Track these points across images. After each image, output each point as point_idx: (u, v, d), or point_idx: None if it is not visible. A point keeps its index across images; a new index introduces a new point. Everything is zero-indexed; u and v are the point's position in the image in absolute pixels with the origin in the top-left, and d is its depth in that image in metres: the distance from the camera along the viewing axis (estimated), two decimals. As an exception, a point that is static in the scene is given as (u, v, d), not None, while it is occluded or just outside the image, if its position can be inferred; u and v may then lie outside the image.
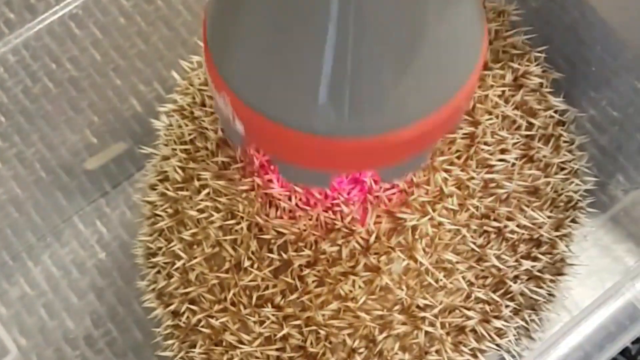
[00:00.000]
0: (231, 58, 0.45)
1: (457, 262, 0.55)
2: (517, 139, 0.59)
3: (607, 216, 0.71)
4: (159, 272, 0.59)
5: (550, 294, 0.61)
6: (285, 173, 0.50)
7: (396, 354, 0.54)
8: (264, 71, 0.44)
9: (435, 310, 0.54)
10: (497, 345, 0.57)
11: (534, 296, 0.59)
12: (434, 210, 0.55)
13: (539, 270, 0.59)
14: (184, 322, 0.57)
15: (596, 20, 0.65)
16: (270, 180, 0.55)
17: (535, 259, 0.59)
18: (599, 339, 0.48)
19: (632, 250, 0.70)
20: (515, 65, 0.61)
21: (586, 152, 0.66)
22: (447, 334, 0.55)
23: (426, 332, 0.54)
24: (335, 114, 0.43)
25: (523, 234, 0.57)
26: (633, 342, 0.68)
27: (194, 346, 0.56)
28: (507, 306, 0.57)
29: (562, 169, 0.61)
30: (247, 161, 0.56)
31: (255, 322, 0.54)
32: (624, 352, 0.68)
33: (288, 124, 0.44)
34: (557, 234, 0.60)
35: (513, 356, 0.59)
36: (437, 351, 0.55)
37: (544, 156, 0.60)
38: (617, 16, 0.65)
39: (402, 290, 0.54)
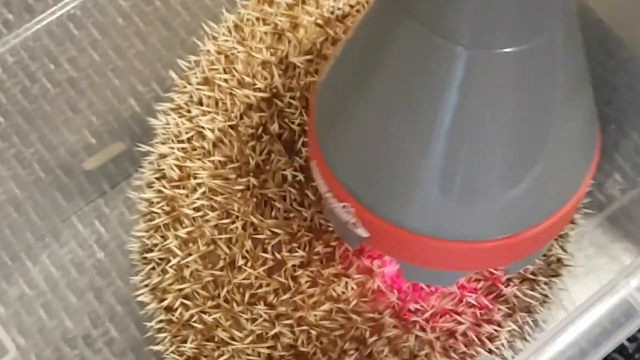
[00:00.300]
0: (354, 168, 0.46)
1: None
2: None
3: (604, 215, 0.71)
4: (153, 268, 0.59)
5: (545, 296, 0.61)
6: (408, 274, 0.51)
7: (386, 356, 0.54)
8: (387, 179, 0.45)
9: (427, 315, 0.54)
10: (489, 350, 0.57)
11: (528, 299, 0.59)
12: None
13: (532, 273, 0.59)
14: (176, 318, 0.57)
15: (593, 19, 0.66)
16: (265, 180, 0.55)
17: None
18: (594, 335, 0.48)
19: (629, 249, 0.70)
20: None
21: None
22: (437, 338, 0.55)
23: (416, 336, 0.54)
24: (465, 219, 0.44)
25: None
26: (630, 341, 0.68)
27: (186, 341, 0.57)
28: (499, 309, 0.57)
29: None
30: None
31: (247, 320, 0.54)
32: (621, 350, 0.68)
33: (417, 231, 0.45)
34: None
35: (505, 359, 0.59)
36: (426, 355, 0.55)
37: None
38: (614, 16, 0.65)
39: (394, 293, 0.54)
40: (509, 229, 0.45)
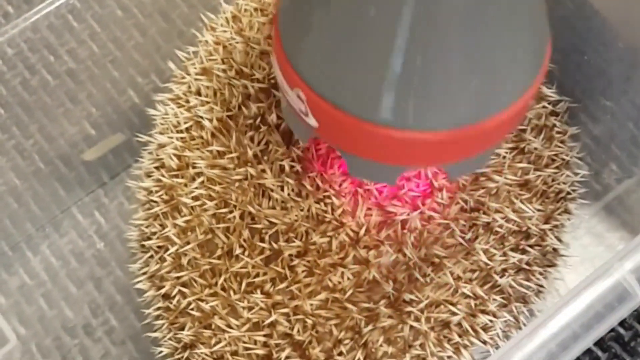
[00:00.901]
0: (307, 52, 0.46)
1: (445, 257, 0.55)
2: (509, 131, 0.59)
3: (601, 205, 0.71)
4: (151, 256, 0.59)
5: (540, 286, 0.61)
6: (352, 168, 0.51)
7: (381, 346, 0.55)
8: (340, 63, 0.45)
9: (422, 305, 0.55)
10: (483, 340, 0.57)
11: (523, 289, 0.59)
12: (424, 204, 0.55)
13: (527, 263, 0.59)
14: (174, 305, 0.58)
15: (589, 10, 0.66)
16: (263, 171, 0.56)
17: (524, 251, 0.59)
18: (587, 318, 0.49)
19: (625, 238, 0.70)
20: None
21: (579, 141, 0.66)
22: (432, 328, 0.55)
23: (411, 327, 0.55)
24: (411, 106, 0.44)
25: (511, 227, 0.58)
26: (626, 329, 0.68)
27: (183, 328, 0.57)
28: (494, 300, 0.57)
29: (554, 160, 0.62)
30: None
31: (244, 308, 0.55)
32: (617, 339, 0.68)
33: (363, 117, 0.45)
34: (547, 225, 0.60)
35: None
36: (421, 345, 0.55)
37: (535, 148, 0.60)
38: (610, 6, 0.65)
39: (390, 284, 0.55)
40: (453, 122, 0.45)
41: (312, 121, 0.47)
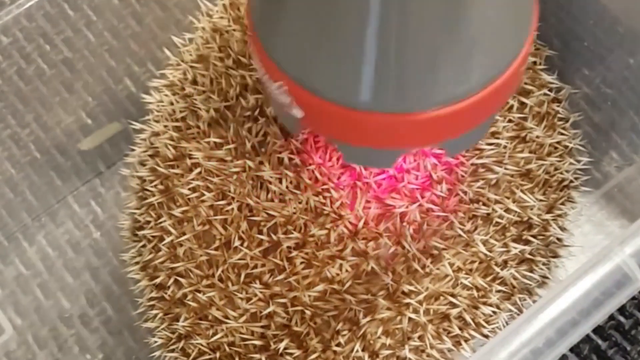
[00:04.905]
0: (286, 45, 0.46)
1: (444, 249, 0.55)
2: (510, 120, 0.59)
3: (601, 193, 0.71)
4: (144, 245, 0.59)
5: (544, 277, 0.61)
6: (348, 156, 0.50)
7: (379, 337, 0.54)
8: (318, 51, 0.44)
9: (420, 297, 0.54)
10: (483, 334, 0.57)
11: (526, 280, 0.59)
12: (422, 197, 0.55)
13: (530, 254, 0.59)
14: (168, 295, 0.57)
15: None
16: (261, 163, 0.55)
17: (527, 242, 0.59)
18: (587, 302, 0.48)
19: (625, 226, 0.70)
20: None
21: (580, 129, 0.66)
22: (430, 321, 0.55)
23: (410, 319, 0.55)
24: (396, 89, 0.44)
25: (512, 218, 0.57)
26: (627, 317, 0.68)
27: (178, 319, 0.57)
28: (498, 291, 0.57)
29: (556, 148, 0.61)
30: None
31: (242, 299, 0.55)
32: (618, 327, 0.68)
33: (349, 104, 0.45)
34: (550, 215, 0.60)
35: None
36: (419, 337, 0.55)
37: (537, 136, 0.60)
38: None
39: (388, 275, 0.54)
40: (440, 99, 0.45)
41: (297, 112, 0.47)
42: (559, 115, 0.63)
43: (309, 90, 0.45)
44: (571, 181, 0.63)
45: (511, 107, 0.59)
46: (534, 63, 0.62)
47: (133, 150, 0.63)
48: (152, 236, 0.58)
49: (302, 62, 0.45)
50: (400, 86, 0.44)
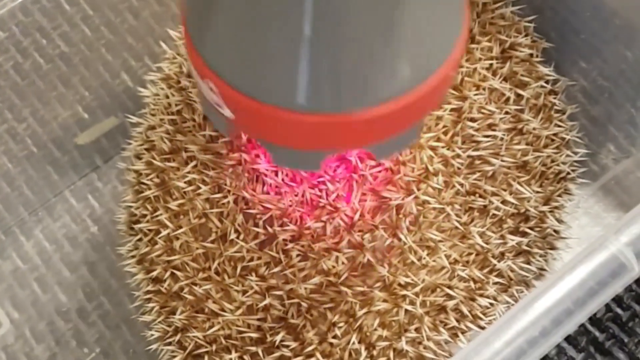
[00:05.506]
0: (214, 43, 0.45)
1: (440, 241, 0.55)
2: (506, 112, 0.59)
3: (598, 185, 0.71)
4: (140, 239, 0.59)
5: (541, 269, 0.61)
6: (276, 158, 0.50)
7: (375, 329, 0.54)
8: (248, 52, 0.44)
9: (417, 289, 0.54)
10: (480, 327, 0.57)
11: (523, 272, 0.59)
12: (418, 189, 0.55)
13: (527, 245, 0.59)
14: (165, 289, 0.57)
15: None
16: (257, 156, 0.55)
17: (524, 234, 0.59)
18: (583, 291, 0.48)
19: (622, 218, 0.70)
20: (504, 37, 0.61)
21: (577, 122, 0.66)
22: (427, 313, 0.55)
23: (406, 311, 0.55)
24: (321, 89, 0.43)
25: (509, 210, 0.57)
26: (624, 310, 0.68)
27: (174, 312, 0.57)
28: (495, 283, 0.57)
29: (552, 140, 0.61)
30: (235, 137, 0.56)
31: (238, 292, 0.55)
32: (615, 319, 0.68)
33: (277, 104, 0.44)
34: (547, 207, 0.60)
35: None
36: (416, 329, 0.55)
37: (534, 128, 0.60)
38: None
39: (385, 267, 0.54)
40: (365, 101, 0.44)
41: (227, 112, 0.47)
42: (555, 108, 0.62)
43: (239, 89, 0.45)
44: (568, 173, 0.63)
45: (508, 99, 0.59)
46: (531, 55, 0.62)
47: (130, 144, 0.63)
48: (149, 229, 0.59)
49: (231, 61, 0.44)
50: (328, 87, 0.43)
